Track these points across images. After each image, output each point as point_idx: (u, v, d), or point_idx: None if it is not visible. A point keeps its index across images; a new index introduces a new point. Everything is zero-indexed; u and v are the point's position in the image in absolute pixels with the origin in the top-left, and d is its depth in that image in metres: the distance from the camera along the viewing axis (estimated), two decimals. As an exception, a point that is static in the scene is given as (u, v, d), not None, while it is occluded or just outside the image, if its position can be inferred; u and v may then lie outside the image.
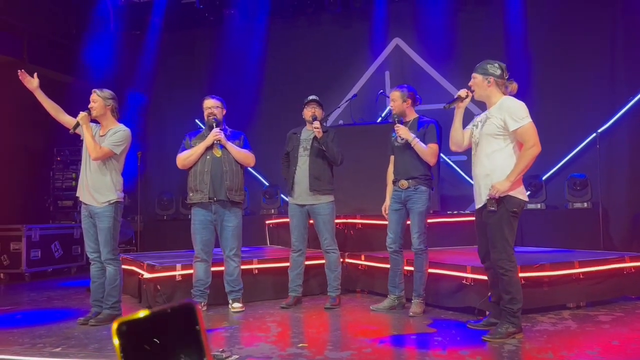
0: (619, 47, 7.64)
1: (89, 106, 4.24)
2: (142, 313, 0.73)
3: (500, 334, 3.45)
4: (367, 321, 4.27)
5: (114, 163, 4.25)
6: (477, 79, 3.62)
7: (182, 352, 0.72)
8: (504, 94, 3.63)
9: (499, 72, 3.60)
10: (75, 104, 4.40)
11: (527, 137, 3.43)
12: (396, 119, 4.50)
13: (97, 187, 4.18)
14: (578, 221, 7.10)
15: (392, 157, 4.64)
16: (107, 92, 4.31)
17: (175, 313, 0.73)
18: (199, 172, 4.62)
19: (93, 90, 4.31)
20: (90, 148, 4.16)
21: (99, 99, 4.25)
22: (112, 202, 4.19)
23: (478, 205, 3.65)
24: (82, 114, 4.20)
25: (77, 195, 4.33)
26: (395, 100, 4.55)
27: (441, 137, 6.74)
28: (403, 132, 4.39)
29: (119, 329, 0.72)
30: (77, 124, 4.20)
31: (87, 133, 4.18)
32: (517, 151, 3.52)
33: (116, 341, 0.72)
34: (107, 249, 4.19)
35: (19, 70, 4.18)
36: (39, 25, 8.43)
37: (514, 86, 3.67)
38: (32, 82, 4.19)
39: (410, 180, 4.40)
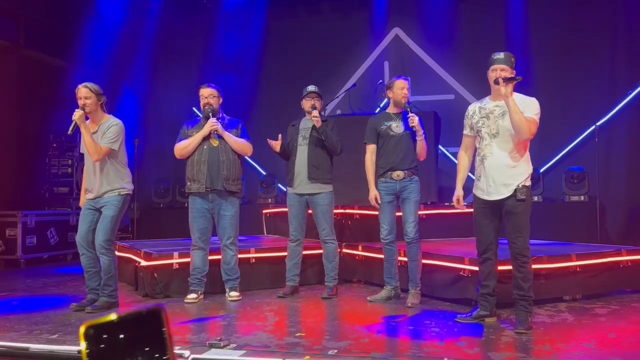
0: (619, 40, 7.62)
1: (82, 103, 4.08)
2: (112, 316, 0.73)
3: (528, 323, 3.49)
4: (364, 311, 4.27)
5: (117, 157, 4.22)
6: (508, 71, 3.55)
7: (147, 354, 0.73)
8: None
9: None
10: (71, 89, 4.31)
11: (534, 127, 3.51)
12: (409, 109, 4.42)
13: (109, 181, 4.17)
14: (575, 214, 7.11)
15: (372, 147, 4.54)
16: (98, 87, 4.17)
17: (143, 317, 0.74)
18: (196, 162, 4.59)
19: (83, 85, 4.13)
20: (91, 151, 4.06)
21: (92, 95, 4.11)
22: (122, 193, 4.19)
23: (490, 198, 3.61)
24: (78, 113, 4.02)
25: (88, 188, 4.24)
26: (408, 90, 4.51)
27: (440, 129, 6.76)
28: (417, 123, 4.33)
29: (86, 333, 0.72)
30: (75, 125, 4.02)
31: (86, 134, 4.03)
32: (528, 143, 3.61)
33: (83, 344, 0.72)
34: (105, 237, 4.16)
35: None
36: (36, 9, 8.32)
37: None
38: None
39: (405, 171, 4.39)
